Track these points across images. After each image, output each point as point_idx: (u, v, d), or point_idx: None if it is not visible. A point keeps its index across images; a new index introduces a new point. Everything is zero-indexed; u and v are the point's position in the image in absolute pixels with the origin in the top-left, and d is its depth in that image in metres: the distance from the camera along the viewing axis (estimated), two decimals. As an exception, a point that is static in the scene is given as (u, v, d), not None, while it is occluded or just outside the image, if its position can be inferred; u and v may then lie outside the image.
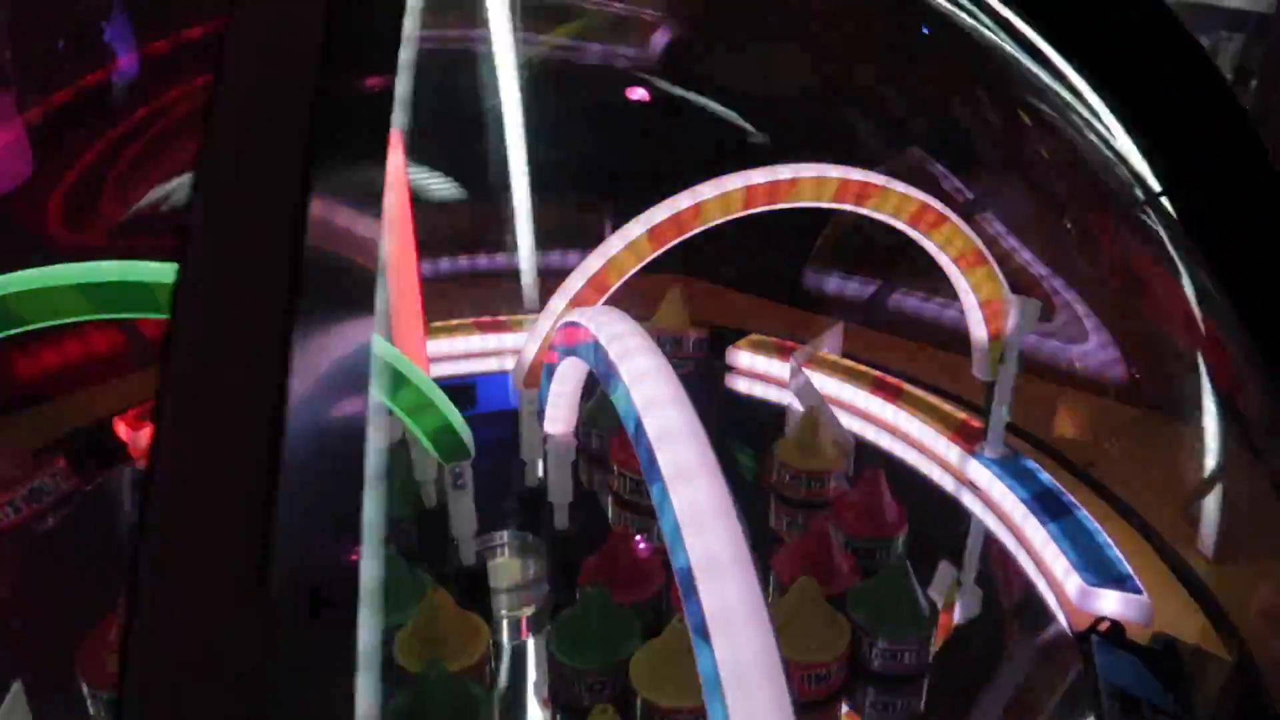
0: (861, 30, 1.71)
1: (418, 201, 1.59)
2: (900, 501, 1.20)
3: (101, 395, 1.42)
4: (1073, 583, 1.15)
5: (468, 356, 1.59)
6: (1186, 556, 1.20)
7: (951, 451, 1.39)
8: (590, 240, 1.19)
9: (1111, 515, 1.28)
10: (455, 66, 1.70)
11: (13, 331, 0.87)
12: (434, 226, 1.90)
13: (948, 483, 1.38)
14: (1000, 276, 1.22)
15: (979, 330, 1.25)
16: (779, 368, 1.59)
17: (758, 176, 1.09)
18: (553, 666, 0.96)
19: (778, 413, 1.55)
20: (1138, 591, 1.13)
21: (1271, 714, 1.01)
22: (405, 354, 1.10)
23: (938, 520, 1.34)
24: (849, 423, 1.49)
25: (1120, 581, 1.14)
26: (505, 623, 1.08)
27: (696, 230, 1.11)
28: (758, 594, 0.56)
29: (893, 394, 1.49)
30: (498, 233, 1.74)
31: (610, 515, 1.27)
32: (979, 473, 1.34)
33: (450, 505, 1.06)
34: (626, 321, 0.74)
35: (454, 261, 1.90)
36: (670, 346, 1.65)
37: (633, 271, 1.11)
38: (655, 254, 1.11)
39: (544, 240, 1.69)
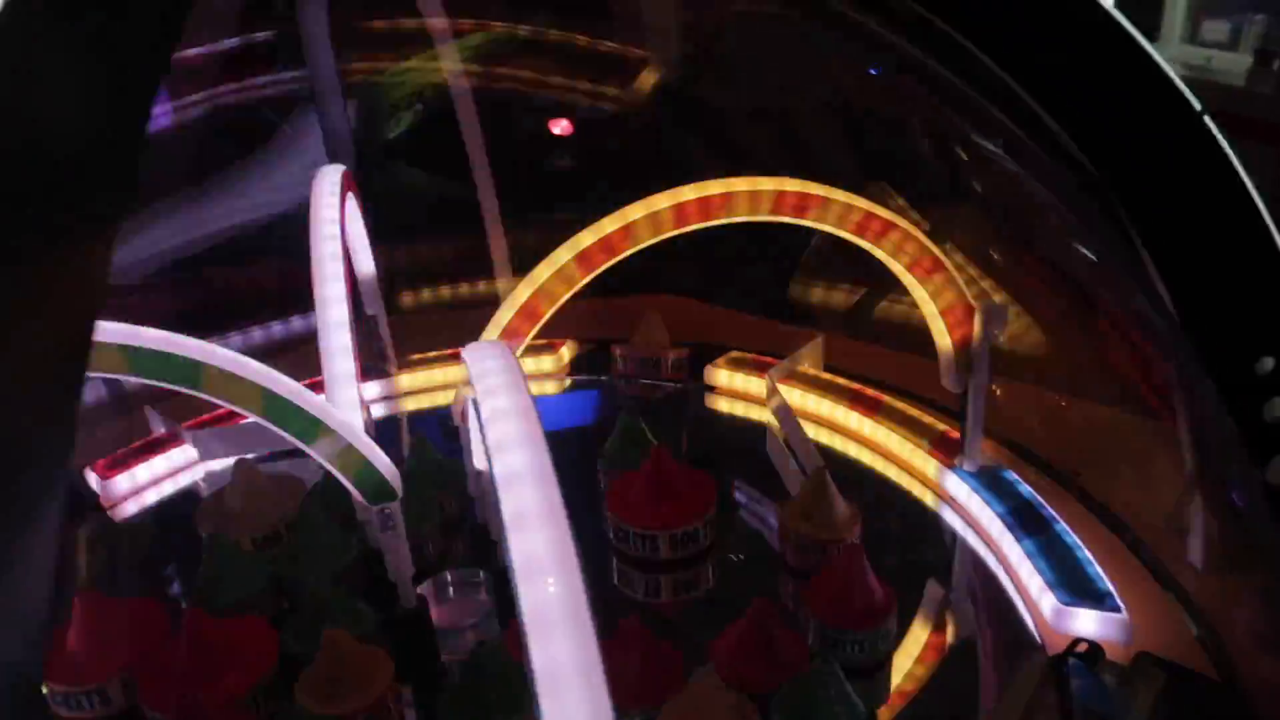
0: (844, 70, 1.67)
1: (389, 237, 1.58)
2: (887, 583, 1.04)
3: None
4: (1048, 602, 1.09)
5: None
6: (1174, 570, 1.13)
7: (929, 465, 1.33)
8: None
9: (1097, 528, 1.21)
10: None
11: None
12: (414, 260, 1.91)
13: (928, 498, 1.33)
14: (959, 282, 1.17)
15: (942, 339, 1.20)
16: (758, 385, 1.55)
17: (687, 193, 1.05)
18: None
19: (758, 432, 1.50)
20: (1116, 610, 1.07)
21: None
22: (337, 395, 1.07)
23: (919, 537, 1.29)
24: (829, 440, 1.45)
25: (1099, 599, 1.08)
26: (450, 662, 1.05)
27: (629, 252, 1.07)
28: (592, 652, 0.52)
29: (870, 407, 1.44)
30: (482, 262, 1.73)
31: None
32: (957, 487, 1.28)
33: (384, 547, 1.03)
34: (502, 357, 0.71)
35: (435, 292, 1.88)
36: (649, 368, 1.62)
37: (565, 298, 1.07)
38: (587, 279, 1.07)
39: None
